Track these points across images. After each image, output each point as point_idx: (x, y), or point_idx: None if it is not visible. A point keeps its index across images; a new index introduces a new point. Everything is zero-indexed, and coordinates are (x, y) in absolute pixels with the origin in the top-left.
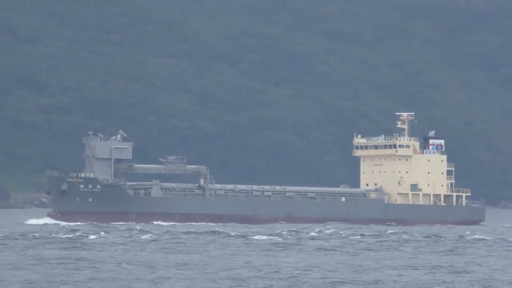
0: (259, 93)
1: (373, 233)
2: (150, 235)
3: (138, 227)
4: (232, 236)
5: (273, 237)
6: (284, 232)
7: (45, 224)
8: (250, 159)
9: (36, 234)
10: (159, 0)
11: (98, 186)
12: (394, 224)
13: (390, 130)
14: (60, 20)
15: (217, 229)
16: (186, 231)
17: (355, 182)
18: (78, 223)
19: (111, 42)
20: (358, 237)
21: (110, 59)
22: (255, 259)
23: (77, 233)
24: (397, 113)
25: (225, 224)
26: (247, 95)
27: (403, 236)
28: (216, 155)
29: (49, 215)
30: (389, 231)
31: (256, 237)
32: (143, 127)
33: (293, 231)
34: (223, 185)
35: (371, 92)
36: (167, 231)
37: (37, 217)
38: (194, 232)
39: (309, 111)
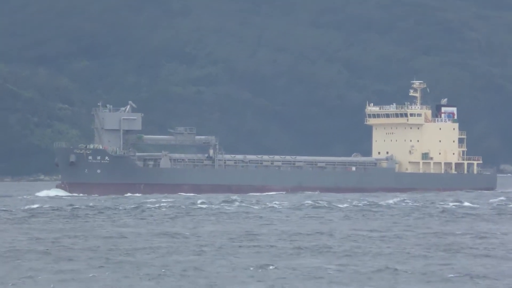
0: (407, 61)
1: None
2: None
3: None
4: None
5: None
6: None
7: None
8: None
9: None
10: None
11: (106, 157)
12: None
13: None
14: None
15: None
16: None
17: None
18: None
19: (261, 13)
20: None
21: (259, 30)
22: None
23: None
24: (411, 81)
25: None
26: (396, 63)
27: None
28: (362, 124)
29: (58, 187)
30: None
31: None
32: (292, 98)
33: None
34: (233, 155)
35: None
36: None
37: (47, 188)
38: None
39: (457, 78)
